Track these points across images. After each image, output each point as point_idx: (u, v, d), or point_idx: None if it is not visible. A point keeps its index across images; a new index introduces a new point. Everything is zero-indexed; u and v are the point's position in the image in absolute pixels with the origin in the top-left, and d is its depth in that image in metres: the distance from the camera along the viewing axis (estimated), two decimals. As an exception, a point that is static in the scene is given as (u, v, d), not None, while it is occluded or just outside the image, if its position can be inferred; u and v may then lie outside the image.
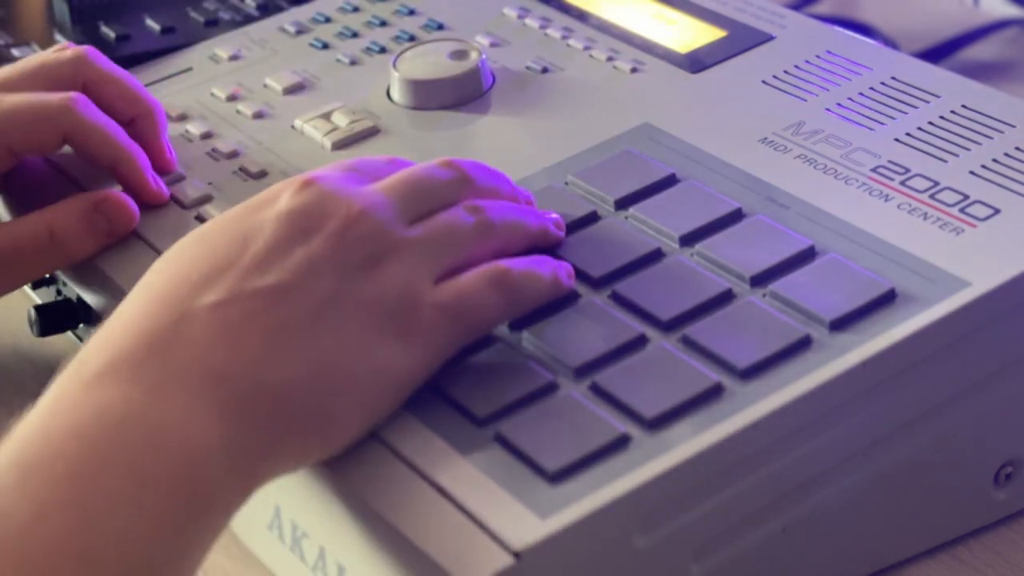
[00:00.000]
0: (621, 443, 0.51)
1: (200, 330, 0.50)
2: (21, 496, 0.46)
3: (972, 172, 0.62)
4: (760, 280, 0.57)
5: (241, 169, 0.70)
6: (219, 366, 0.49)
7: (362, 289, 0.52)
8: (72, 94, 0.66)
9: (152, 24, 0.84)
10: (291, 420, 0.50)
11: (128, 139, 0.67)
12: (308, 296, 0.51)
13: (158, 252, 0.64)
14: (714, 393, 0.52)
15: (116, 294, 0.64)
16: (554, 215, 0.60)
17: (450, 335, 0.53)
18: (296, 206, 0.53)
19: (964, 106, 0.67)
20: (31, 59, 0.69)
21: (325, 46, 0.80)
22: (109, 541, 0.46)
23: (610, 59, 0.75)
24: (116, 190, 0.66)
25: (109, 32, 0.83)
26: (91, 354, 0.50)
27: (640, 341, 0.55)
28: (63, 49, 0.69)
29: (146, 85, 0.77)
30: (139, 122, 0.69)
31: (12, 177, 0.70)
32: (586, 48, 0.76)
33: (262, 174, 0.69)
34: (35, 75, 0.68)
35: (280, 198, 0.54)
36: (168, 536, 0.47)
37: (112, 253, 0.65)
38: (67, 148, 0.67)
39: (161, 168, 0.69)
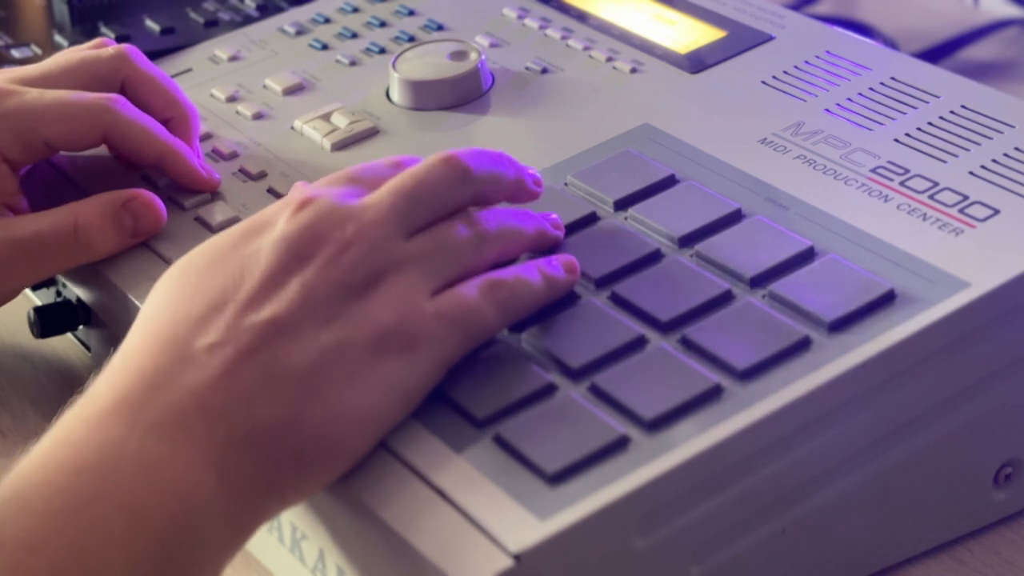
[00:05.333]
0: (620, 444, 0.51)
1: (197, 373, 0.50)
2: (17, 528, 0.46)
3: (972, 172, 0.62)
4: (759, 281, 0.57)
5: (241, 170, 0.70)
6: (215, 407, 0.49)
7: (361, 310, 0.52)
8: (112, 95, 0.66)
9: (152, 25, 0.84)
10: (293, 456, 0.50)
11: (169, 134, 0.67)
12: (306, 327, 0.51)
13: (157, 254, 0.64)
14: (713, 394, 0.52)
15: (115, 296, 0.64)
16: (552, 215, 0.60)
17: (452, 344, 0.53)
18: (292, 231, 0.53)
19: (964, 106, 0.67)
20: (71, 55, 0.69)
21: (325, 47, 0.80)
22: None
23: (610, 59, 0.75)
24: (144, 190, 0.66)
25: (109, 33, 0.83)
26: (97, 393, 0.50)
27: (639, 342, 0.55)
28: (102, 46, 0.69)
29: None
30: (173, 124, 0.69)
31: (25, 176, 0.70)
32: (586, 48, 0.76)
33: (262, 175, 0.69)
34: (75, 71, 0.68)
35: (277, 221, 0.54)
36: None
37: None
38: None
39: None
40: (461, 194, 0.57)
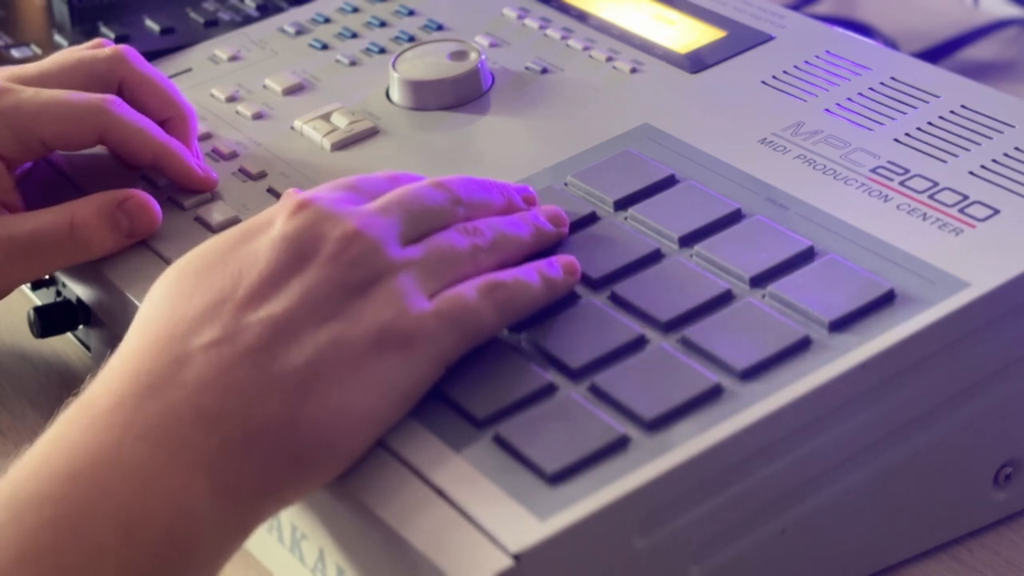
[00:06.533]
0: (620, 444, 0.51)
1: (194, 372, 0.50)
2: (9, 536, 0.46)
3: (971, 172, 0.62)
4: (759, 281, 0.57)
5: (241, 170, 0.70)
6: (212, 408, 0.49)
7: (359, 309, 0.52)
8: (108, 96, 0.66)
9: (152, 25, 0.84)
10: (290, 456, 0.50)
11: (165, 134, 0.67)
12: (304, 326, 0.51)
13: (157, 254, 0.64)
14: (713, 394, 0.52)
15: (115, 296, 0.64)
16: (552, 208, 0.60)
17: (449, 343, 0.53)
18: (290, 231, 0.53)
19: (964, 106, 0.67)
20: (69, 54, 0.69)
21: (325, 47, 0.80)
22: None
23: (610, 59, 0.75)
24: (140, 190, 0.66)
25: (109, 33, 0.83)
26: (93, 396, 0.50)
27: (639, 342, 0.55)
28: (100, 46, 0.69)
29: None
30: (170, 125, 0.69)
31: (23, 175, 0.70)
32: (586, 48, 0.76)
33: (262, 175, 0.69)
34: (72, 70, 0.68)
35: (275, 222, 0.54)
36: None
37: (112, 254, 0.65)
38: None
39: None
40: (454, 215, 0.57)
